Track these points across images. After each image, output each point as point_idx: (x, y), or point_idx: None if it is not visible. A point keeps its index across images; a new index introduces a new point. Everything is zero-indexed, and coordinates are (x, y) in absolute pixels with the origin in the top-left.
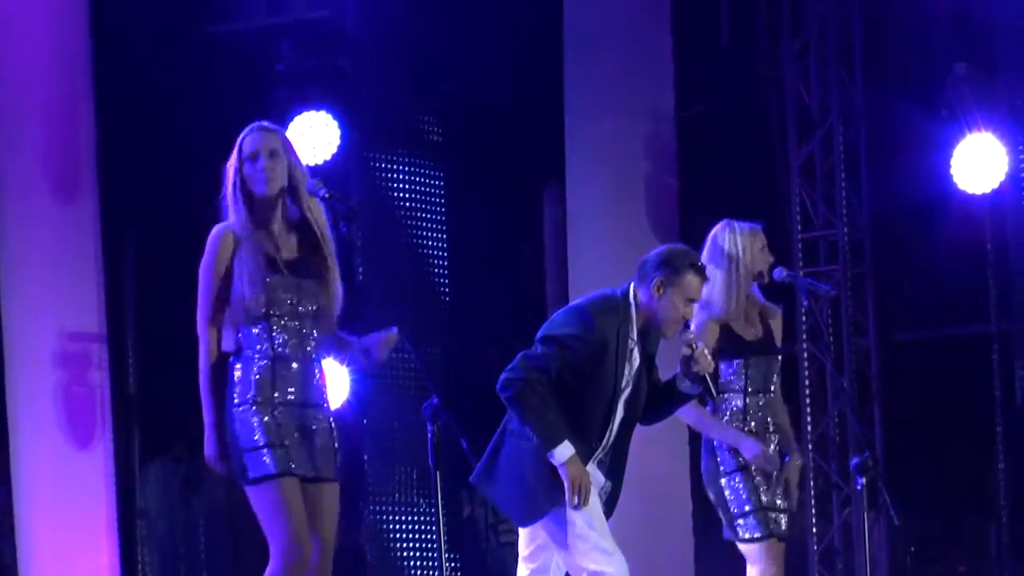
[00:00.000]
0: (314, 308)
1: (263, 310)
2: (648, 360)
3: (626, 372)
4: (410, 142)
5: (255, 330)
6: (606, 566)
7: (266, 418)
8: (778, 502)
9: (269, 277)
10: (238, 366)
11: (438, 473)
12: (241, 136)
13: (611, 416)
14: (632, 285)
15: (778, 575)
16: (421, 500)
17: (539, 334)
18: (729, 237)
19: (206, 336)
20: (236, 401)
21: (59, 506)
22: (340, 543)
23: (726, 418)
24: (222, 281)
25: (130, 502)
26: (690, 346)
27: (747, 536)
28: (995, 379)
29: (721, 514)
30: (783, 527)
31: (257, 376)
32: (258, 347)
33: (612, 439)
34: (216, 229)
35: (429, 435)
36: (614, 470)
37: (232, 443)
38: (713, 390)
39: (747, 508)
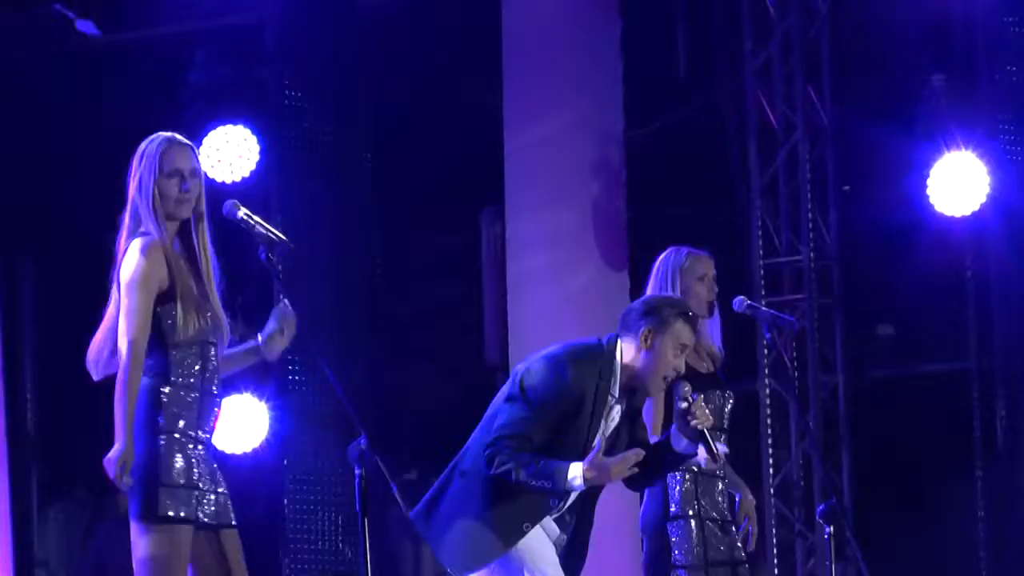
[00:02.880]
0: (218, 336)
1: (197, 336)
2: (631, 418)
3: (600, 430)
4: (337, 160)
5: (186, 356)
6: None
7: (190, 455)
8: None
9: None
10: (166, 390)
11: (365, 520)
12: (155, 149)
13: None
14: (616, 336)
15: None
16: (347, 549)
17: (514, 384)
18: (665, 263)
19: (142, 352)
20: (153, 427)
21: None
22: None
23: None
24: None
25: (27, 551)
26: (686, 399)
27: None
28: (975, 420)
29: (652, 558)
30: None
31: (187, 407)
32: (189, 376)
33: (573, 499)
34: (145, 241)
35: (356, 479)
36: (580, 527)
37: (145, 473)
38: (715, 448)
39: (687, 561)
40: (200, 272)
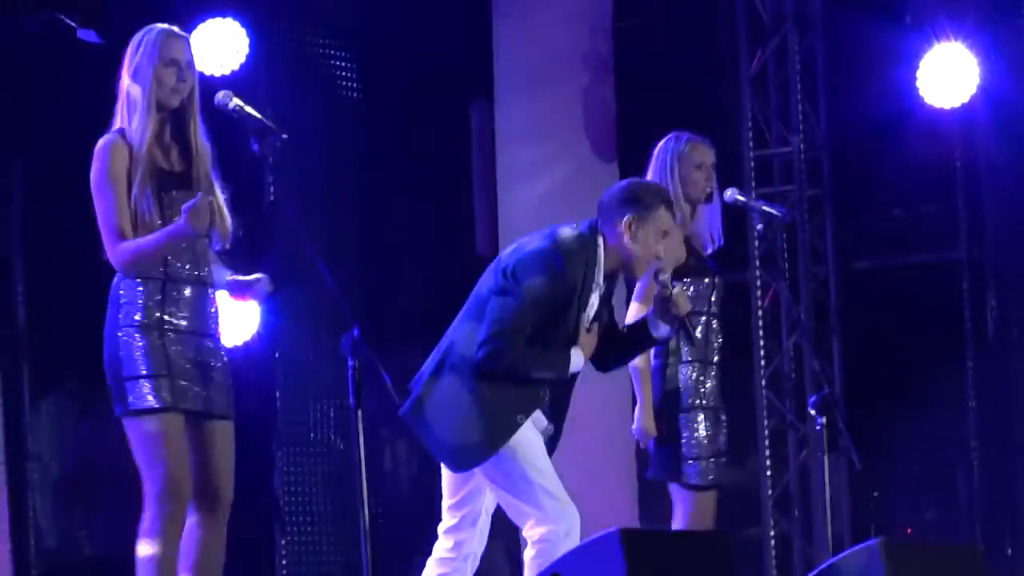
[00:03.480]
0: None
1: (158, 224)
2: (606, 302)
3: (584, 316)
4: (324, 54)
5: None
6: (553, 515)
7: (153, 344)
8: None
9: (164, 192)
10: (124, 286)
11: (359, 412)
12: (153, 38)
13: None
14: (598, 223)
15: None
16: (339, 441)
17: (503, 276)
18: (665, 149)
19: (130, 238)
20: (120, 324)
21: None
22: (250, 488)
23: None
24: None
25: (20, 444)
26: (666, 287)
27: (688, 483)
28: (965, 310)
29: (663, 451)
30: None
31: (145, 298)
32: (152, 268)
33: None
34: (105, 139)
35: (349, 371)
36: (557, 412)
37: (112, 370)
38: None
39: (696, 452)
40: (192, 162)
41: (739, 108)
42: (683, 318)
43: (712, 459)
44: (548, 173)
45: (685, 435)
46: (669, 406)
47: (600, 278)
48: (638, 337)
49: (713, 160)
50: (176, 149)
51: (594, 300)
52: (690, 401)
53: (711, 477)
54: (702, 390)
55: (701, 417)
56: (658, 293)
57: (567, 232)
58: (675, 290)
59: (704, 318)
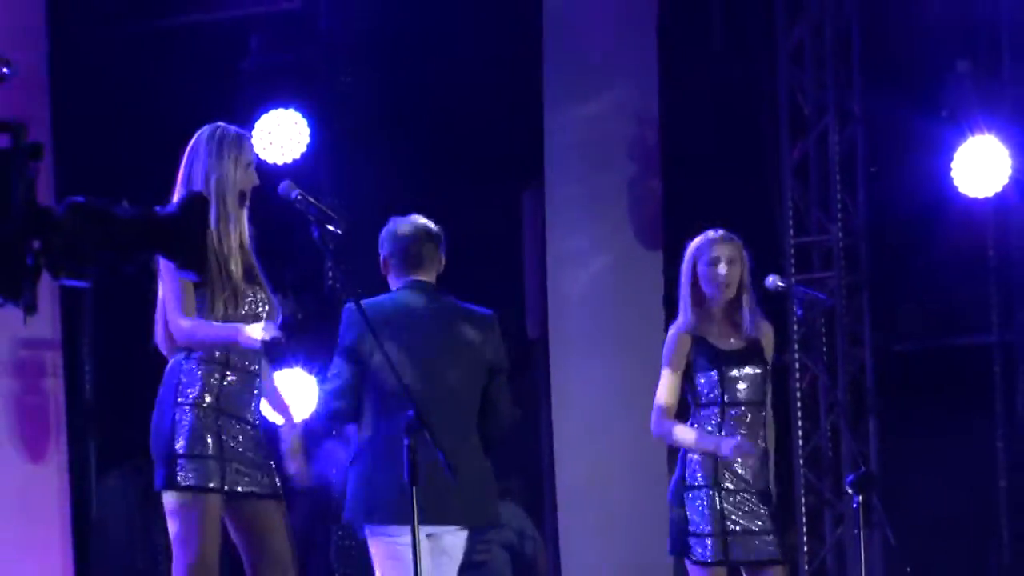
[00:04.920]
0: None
1: (229, 318)
2: None
3: None
4: (384, 142)
5: None
6: None
7: (207, 424)
8: (752, 526)
9: (234, 282)
10: (186, 366)
11: (414, 490)
12: (231, 138)
13: None
14: None
15: None
16: None
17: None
18: (688, 248)
19: (189, 320)
20: (179, 401)
21: (11, 520)
22: (308, 565)
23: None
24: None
25: (85, 514)
26: None
27: (695, 558)
28: (996, 392)
29: (674, 528)
30: (745, 552)
31: (205, 380)
32: (213, 352)
33: None
34: None
35: (405, 449)
36: None
37: (165, 443)
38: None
39: (703, 529)
40: (244, 255)
41: (781, 197)
42: None
43: (729, 537)
44: (596, 260)
45: (700, 514)
46: (683, 485)
47: None
48: None
49: (729, 254)
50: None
51: None
52: (707, 482)
53: (721, 554)
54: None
55: (721, 497)
56: None
57: None
58: None
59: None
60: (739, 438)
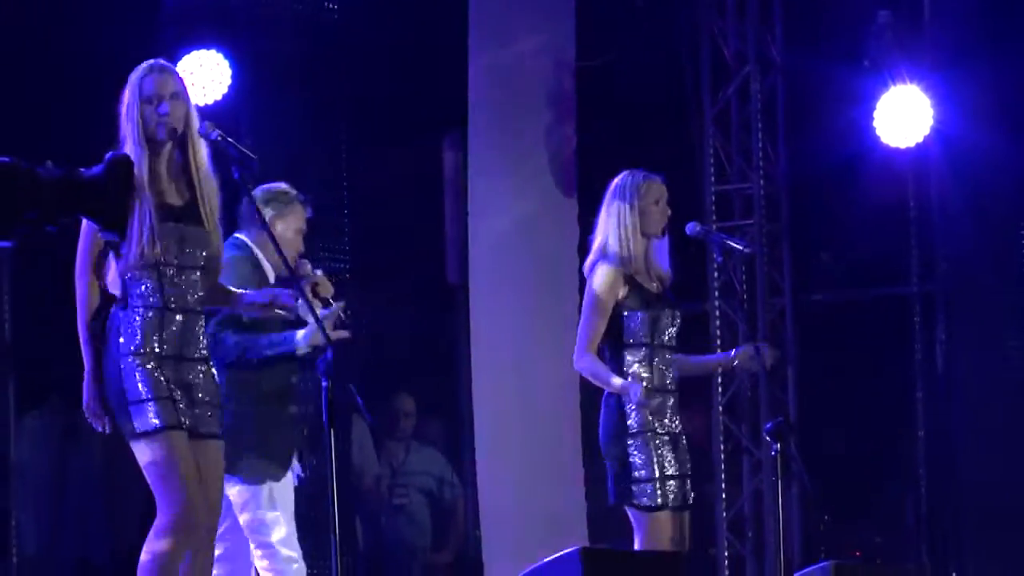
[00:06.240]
0: (203, 256)
1: (154, 260)
2: None
3: None
4: (306, 85)
5: (144, 280)
6: None
7: (152, 370)
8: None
9: (159, 225)
10: (123, 315)
11: (332, 431)
12: (137, 76)
13: None
14: None
15: (666, 546)
16: (312, 459)
17: None
18: (623, 184)
19: (84, 284)
20: (120, 352)
21: None
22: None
23: (631, 370)
24: None
25: (3, 458)
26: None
27: (640, 504)
28: (916, 343)
29: (615, 476)
30: (681, 498)
31: (143, 327)
32: (148, 297)
33: None
34: None
35: (323, 391)
36: None
37: (116, 396)
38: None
39: (645, 475)
40: (195, 190)
41: (702, 144)
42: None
43: (668, 481)
44: (515, 205)
45: (641, 459)
46: (620, 432)
47: None
48: None
49: (667, 196)
50: (183, 181)
51: None
52: (643, 427)
53: (662, 499)
54: (658, 417)
55: (657, 443)
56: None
57: None
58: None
59: (664, 348)
60: (641, 386)
